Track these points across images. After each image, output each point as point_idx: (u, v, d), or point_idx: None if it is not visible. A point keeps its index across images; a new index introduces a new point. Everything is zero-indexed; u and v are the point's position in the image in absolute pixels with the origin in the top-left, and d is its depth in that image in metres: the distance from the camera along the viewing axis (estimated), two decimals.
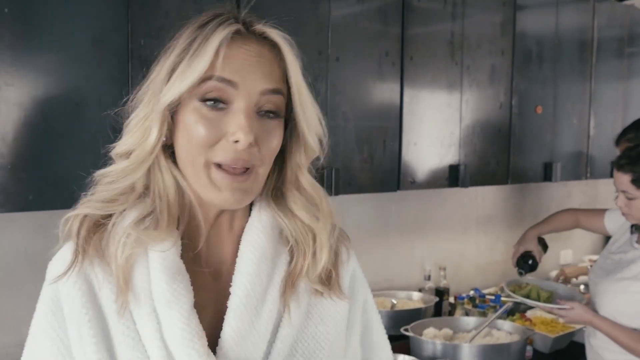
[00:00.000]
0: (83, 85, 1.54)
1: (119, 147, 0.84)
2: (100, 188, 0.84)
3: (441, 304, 2.82)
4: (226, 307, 0.82)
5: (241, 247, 0.86)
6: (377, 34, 2.17)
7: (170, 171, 0.83)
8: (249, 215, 0.89)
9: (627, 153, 2.04)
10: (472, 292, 2.89)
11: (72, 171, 1.29)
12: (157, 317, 0.79)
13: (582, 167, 3.11)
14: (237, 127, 0.78)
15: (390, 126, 2.23)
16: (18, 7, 1.45)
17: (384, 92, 2.22)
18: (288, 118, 0.86)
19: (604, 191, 3.72)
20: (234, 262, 0.86)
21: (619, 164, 2.04)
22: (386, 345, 1.05)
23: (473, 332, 2.29)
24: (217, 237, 0.88)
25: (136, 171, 0.82)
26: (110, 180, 0.83)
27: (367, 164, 2.17)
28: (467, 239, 3.22)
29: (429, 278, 2.87)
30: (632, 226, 2.19)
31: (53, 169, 1.51)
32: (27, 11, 1.46)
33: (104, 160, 0.85)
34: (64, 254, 0.84)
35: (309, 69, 0.86)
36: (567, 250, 3.74)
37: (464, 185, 2.49)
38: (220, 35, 0.78)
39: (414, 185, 2.34)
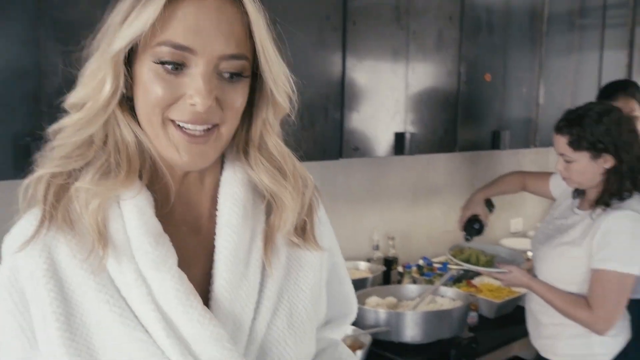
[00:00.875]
0: None
1: (72, 97, 0.80)
2: (57, 144, 0.80)
3: (389, 274, 2.82)
4: (211, 261, 0.83)
5: (220, 200, 0.86)
6: None
7: (128, 125, 0.81)
8: (222, 169, 0.89)
9: (567, 116, 2.04)
10: (421, 261, 2.90)
11: None
12: (145, 282, 0.77)
13: (530, 136, 3.11)
14: (194, 90, 0.76)
15: (332, 93, 2.19)
16: None
17: (325, 58, 2.17)
18: (254, 73, 0.84)
19: (554, 160, 3.74)
20: (212, 217, 0.86)
21: (558, 126, 2.04)
22: (355, 297, 1.11)
23: (417, 300, 2.29)
24: (189, 193, 0.87)
25: (91, 124, 0.79)
26: (66, 135, 0.80)
27: (308, 132, 2.12)
28: (418, 209, 3.21)
29: (377, 248, 2.86)
30: (574, 192, 2.20)
31: None
32: None
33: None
34: (24, 226, 0.80)
35: None
36: (517, 219, 3.78)
37: (411, 153, 2.47)
38: None
39: (357, 153, 2.30)
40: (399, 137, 2.43)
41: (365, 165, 2.86)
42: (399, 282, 2.82)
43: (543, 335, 2.16)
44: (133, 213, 0.80)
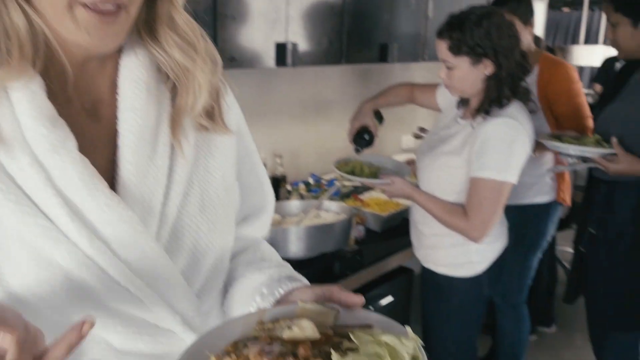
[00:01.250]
0: None
1: None
2: None
3: (278, 193, 2.74)
4: (115, 148, 0.79)
5: (121, 84, 0.81)
6: None
7: (18, 6, 0.71)
8: (121, 51, 0.83)
9: (449, 20, 1.97)
10: (310, 179, 2.84)
11: None
12: (42, 166, 0.72)
13: (419, 49, 3.06)
14: None
15: None
16: None
17: None
18: None
19: None
20: (112, 102, 0.81)
21: (439, 31, 1.97)
22: (270, 187, 1.09)
23: (301, 215, 2.23)
24: (88, 79, 0.81)
25: None
26: None
27: None
28: (307, 125, 3.12)
29: (264, 166, 2.76)
30: (458, 102, 2.17)
31: None
32: None
33: None
34: None
35: None
36: (408, 136, 3.78)
37: (294, 64, 2.34)
38: None
39: (235, 64, 2.15)
40: (281, 48, 2.29)
41: (248, 78, 2.71)
42: (287, 200, 2.75)
43: (424, 245, 2.17)
44: (23, 98, 0.72)
